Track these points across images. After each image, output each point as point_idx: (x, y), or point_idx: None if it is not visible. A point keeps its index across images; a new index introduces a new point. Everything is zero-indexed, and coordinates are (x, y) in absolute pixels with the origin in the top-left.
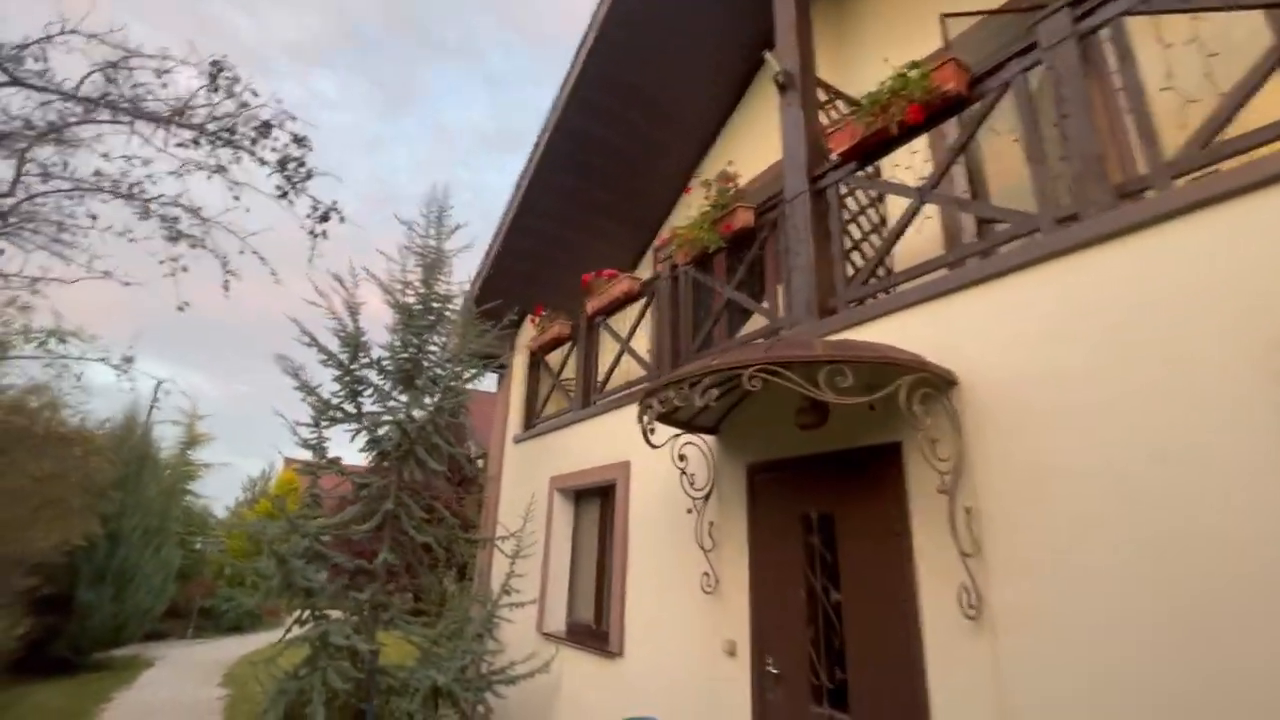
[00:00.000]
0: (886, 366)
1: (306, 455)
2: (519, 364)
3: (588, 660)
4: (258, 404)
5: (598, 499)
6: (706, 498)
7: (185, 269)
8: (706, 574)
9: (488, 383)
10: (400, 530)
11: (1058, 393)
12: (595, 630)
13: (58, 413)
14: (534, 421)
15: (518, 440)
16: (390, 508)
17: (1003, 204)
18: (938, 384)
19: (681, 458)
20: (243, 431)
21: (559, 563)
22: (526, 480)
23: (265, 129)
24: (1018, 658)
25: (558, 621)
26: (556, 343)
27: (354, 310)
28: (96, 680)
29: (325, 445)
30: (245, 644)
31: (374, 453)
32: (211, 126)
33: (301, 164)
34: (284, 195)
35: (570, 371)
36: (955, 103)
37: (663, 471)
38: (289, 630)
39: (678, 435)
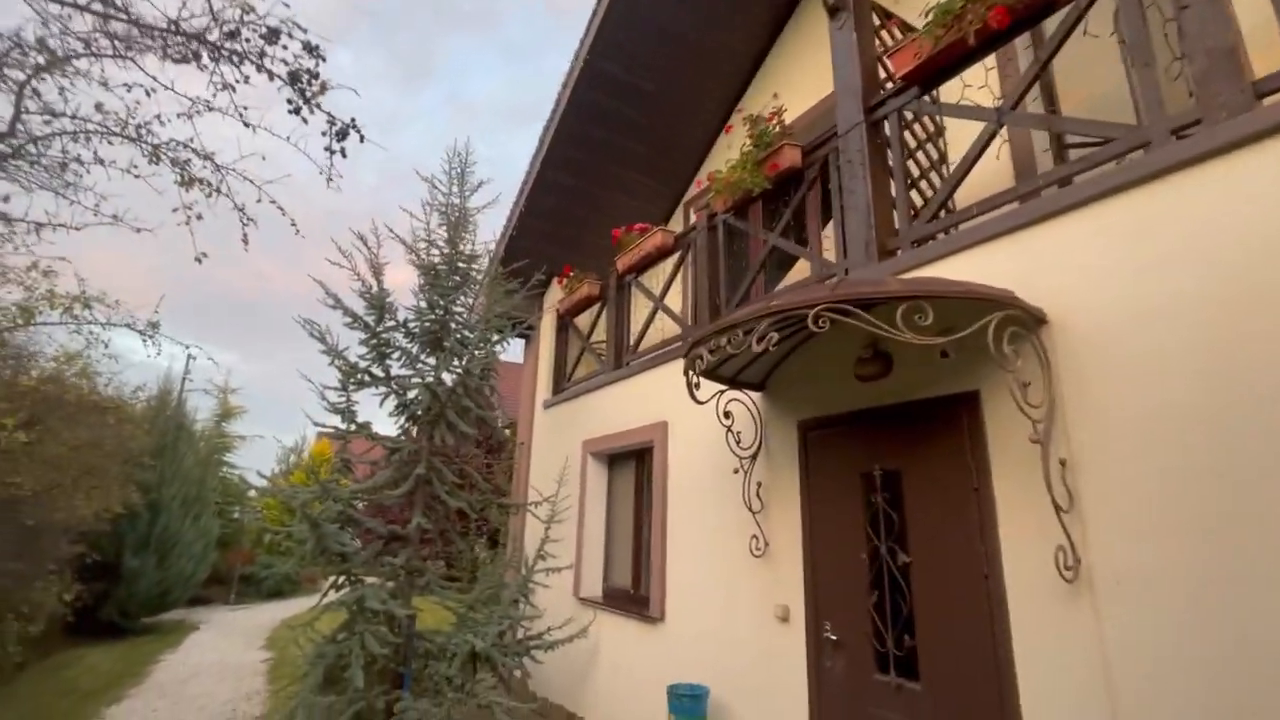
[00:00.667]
0: (973, 302)
1: (337, 422)
2: (547, 327)
3: (627, 625)
4: (287, 381)
5: (633, 462)
6: (754, 457)
7: (200, 217)
8: (755, 537)
9: (514, 352)
10: (432, 495)
11: (1171, 329)
12: (634, 595)
13: (90, 381)
14: (564, 385)
15: (547, 405)
16: (422, 472)
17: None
18: (1027, 322)
19: (726, 415)
20: (275, 408)
21: (594, 527)
22: (558, 445)
23: (272, 36)
24: (1123, 624)
25: (594, 587)
26: (586, 303)
27: (378, 270)
28: (145, 643)
29: (354, 409)
30: (285, 609)
31: (403, 417)
32: (212, 36)
33: (315, 76)
34: (297, 111)
35: (601, 333)
36: (1043, 6)
37: (704, 431)
38: (325, 595)
39: (722, 391)
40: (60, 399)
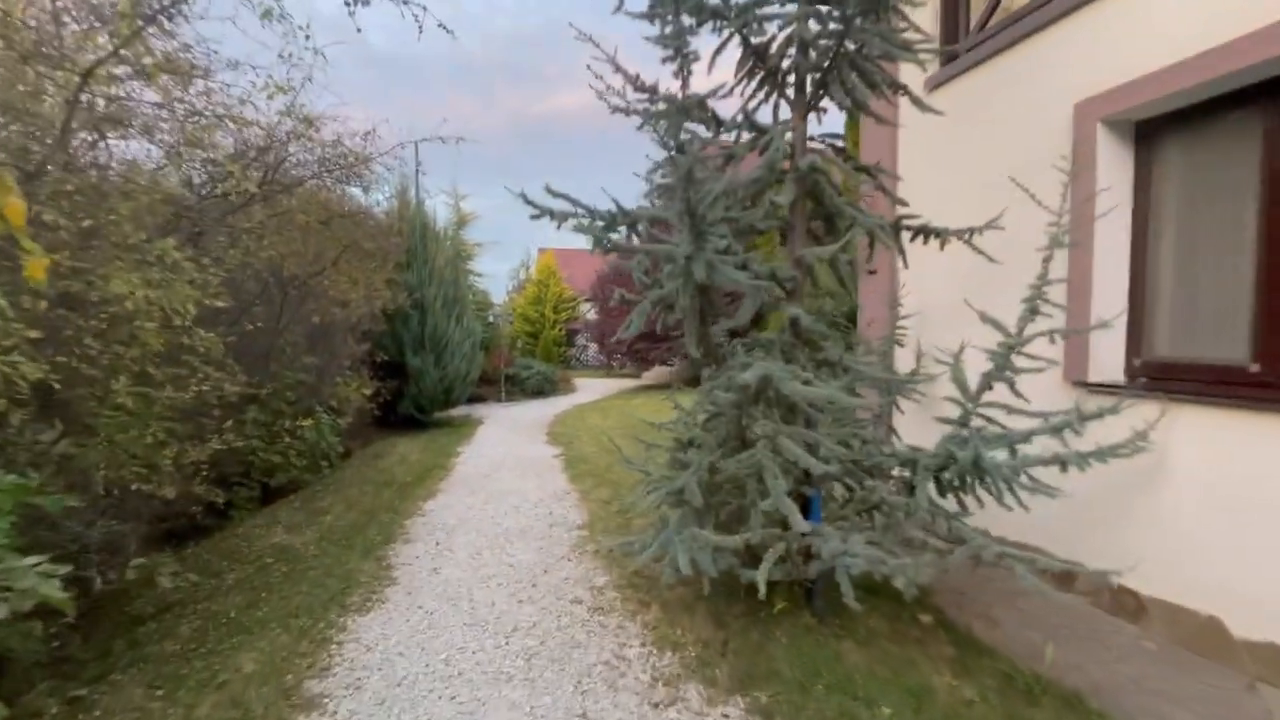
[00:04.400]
0: None
1: (645, 100)
2: None
3: (1257, 423)
4: (503, 216)
5: (1257, 108)
6: None
7: None
8: None
9: None
10: (822, 213)
11: None
12: (1258, 373)
13: (311, 127)
14: (971, 43)
15: (934, 85)
16: (805, 167)
17: None
18: None
19: None
20: (497, 241)
21: (1108, 261)
22: (973, 142)
23: None
24: None
25: (1110, 364)
26: None
27: None
28: (442, 435)
29: (690, 55)
30: (551, 406)
31: (756, 80)
32: None
33: None
34: None
35: None
36: None
37: None
38: (678, 372)
39: None
40: (285, 151)
